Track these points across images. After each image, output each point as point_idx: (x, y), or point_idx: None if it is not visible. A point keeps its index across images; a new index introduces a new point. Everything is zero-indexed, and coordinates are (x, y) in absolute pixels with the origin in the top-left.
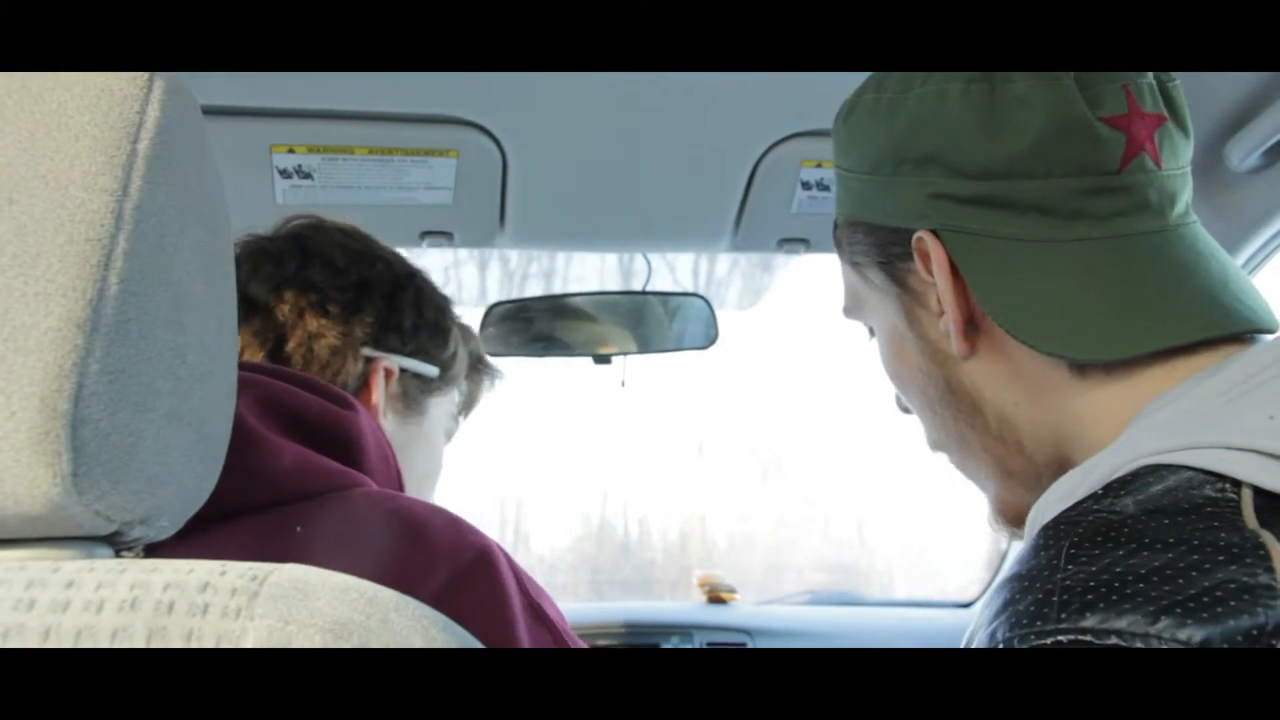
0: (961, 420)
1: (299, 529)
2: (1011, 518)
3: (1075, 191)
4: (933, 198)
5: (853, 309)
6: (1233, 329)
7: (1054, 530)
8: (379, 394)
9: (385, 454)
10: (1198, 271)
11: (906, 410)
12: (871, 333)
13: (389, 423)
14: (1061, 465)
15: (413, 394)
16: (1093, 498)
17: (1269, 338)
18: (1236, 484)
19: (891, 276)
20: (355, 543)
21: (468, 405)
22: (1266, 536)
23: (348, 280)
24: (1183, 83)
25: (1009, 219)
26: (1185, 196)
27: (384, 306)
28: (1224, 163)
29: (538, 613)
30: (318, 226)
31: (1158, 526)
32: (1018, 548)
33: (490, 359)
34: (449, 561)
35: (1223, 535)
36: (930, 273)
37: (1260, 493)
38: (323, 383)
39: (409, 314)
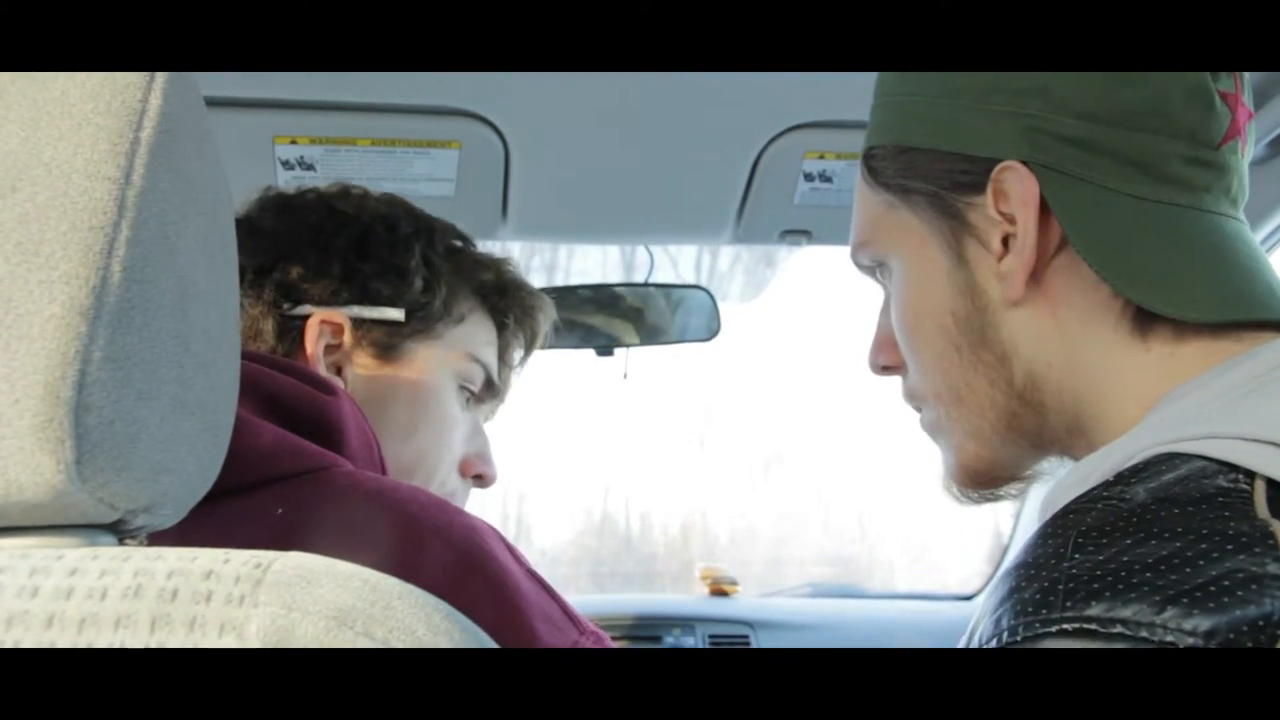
0: (980, 371)
1: (280, 511)
2: (976, 478)
3: (1178, 155)
4: (1029, 130)
5: (869, 244)
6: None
7: (1062, 519)
8: (312, 347)
9: (368, 440)
10: (1265, 263)
11: (886, 369)
12: (877, 274)
13: (357, 377)
14: (1073, 435)
15: (384, 341)
16: (1104, 485)
17: None
18: (1250, 475)
19: (944, 208)
20: (340, 527)
21: (508, 349)
22: (1277, 525)
23: (260, 243)
24: None
25: (1107, 167)
26: (1245, 197)
27: (314, 258)
28: None
29: (538, 580)
30: (260, 197)
31: (1167, 516)
32: (1020, 540)
33: (534, 289)
34: (439, 544)
35: (1232, 524)
36: (1001, 207)
37: (1274, 485)
38: (301, 367)
39: (340, 261)
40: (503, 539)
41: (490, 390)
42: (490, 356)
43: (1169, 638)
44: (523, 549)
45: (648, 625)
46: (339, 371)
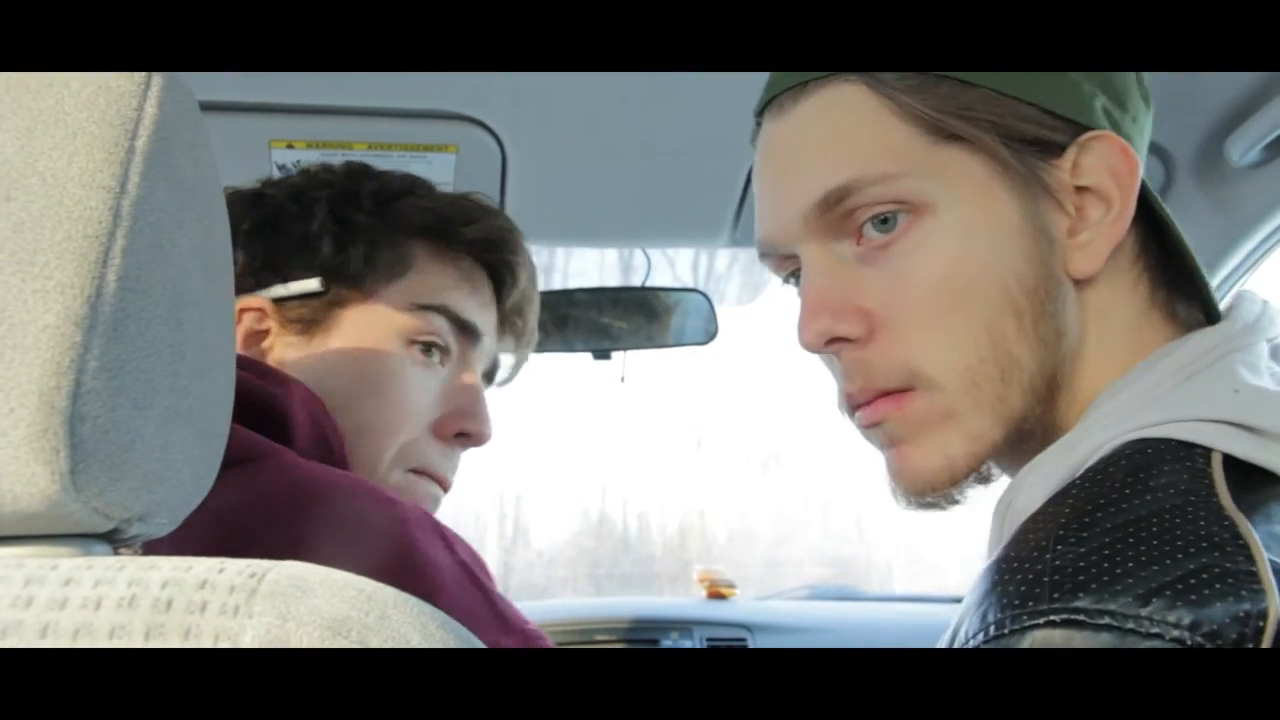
0: (1033, 347)
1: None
2: (968, 474)
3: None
4: (1106, 111)
5: (894, 178)
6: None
7: (1041, 514)
8: (239, 338)
9: (324, 434)
10: None
11: (839, 341)
12: (884, 223)
13: (286, 358)
14: (1053, 431)
15: (309, 316)
16: (1080, 479)
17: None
18: (1207, 453)
19: (1023, 162)
20: (264, 519)
21: (478, 286)
22: (1243, 524)
23: None
24: (1184, 75)
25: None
26: None
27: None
28: (1224, 158)
29: (470, 574)
30: None
31: (1143, 508)
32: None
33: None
34: (359, 534)
35: (1203, 521)
36: (1078, 180)
37: (1230, 461)
38: (253, 361)
39: (247, 247)
40: (439, 529)
41: (468, 334)
42: (456, 299)
43: (1154, 629)
44: (520, 550)
45: (645, 628)
46: (271, 356)
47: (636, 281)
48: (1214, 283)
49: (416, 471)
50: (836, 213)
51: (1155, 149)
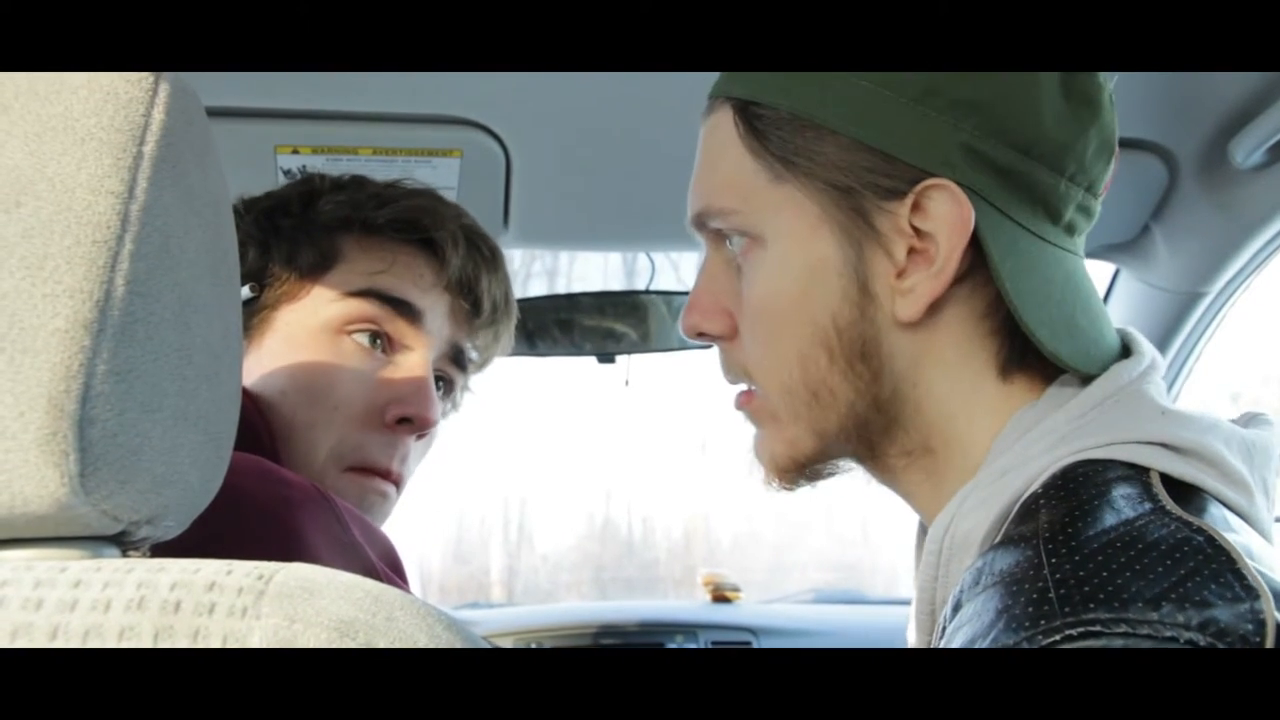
0: (849, 380)
1: None
2: (798, 470)
3: (1075, 202)
4: (966, 149)
5: (735, 213)
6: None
7: (1018, 535)
8: None
9: (256, 431)
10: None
11: (705, 336)
12: (726, 240)
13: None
14: (916, 453)
15: (246, 323)
16: (1038, 497)
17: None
18: (1146, 471)
19: (850, 204)
20: None
21: (411, 262)
22: (1212, 530)
23: None
24: (1189, 76)
25: (1019, 203)
26: None
27: None
28: (1228, 160)
29: (362, 556)
30: None
31: (1111, 516)
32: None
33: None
34: (244, 516)
35: (1174, 527)
36: (917, 222)
37: (1166, 479)
38: None
39: None
40: (336, 512)
41: (405, 314)
42: (385, 281)
43: (1168, 633)
44: (525, 554)
45: (651, 631)
46: None
47: (641, 285)
48: (1217, 287)
49: (356, 469)
50: (707, 227)
51: (1159, 150)
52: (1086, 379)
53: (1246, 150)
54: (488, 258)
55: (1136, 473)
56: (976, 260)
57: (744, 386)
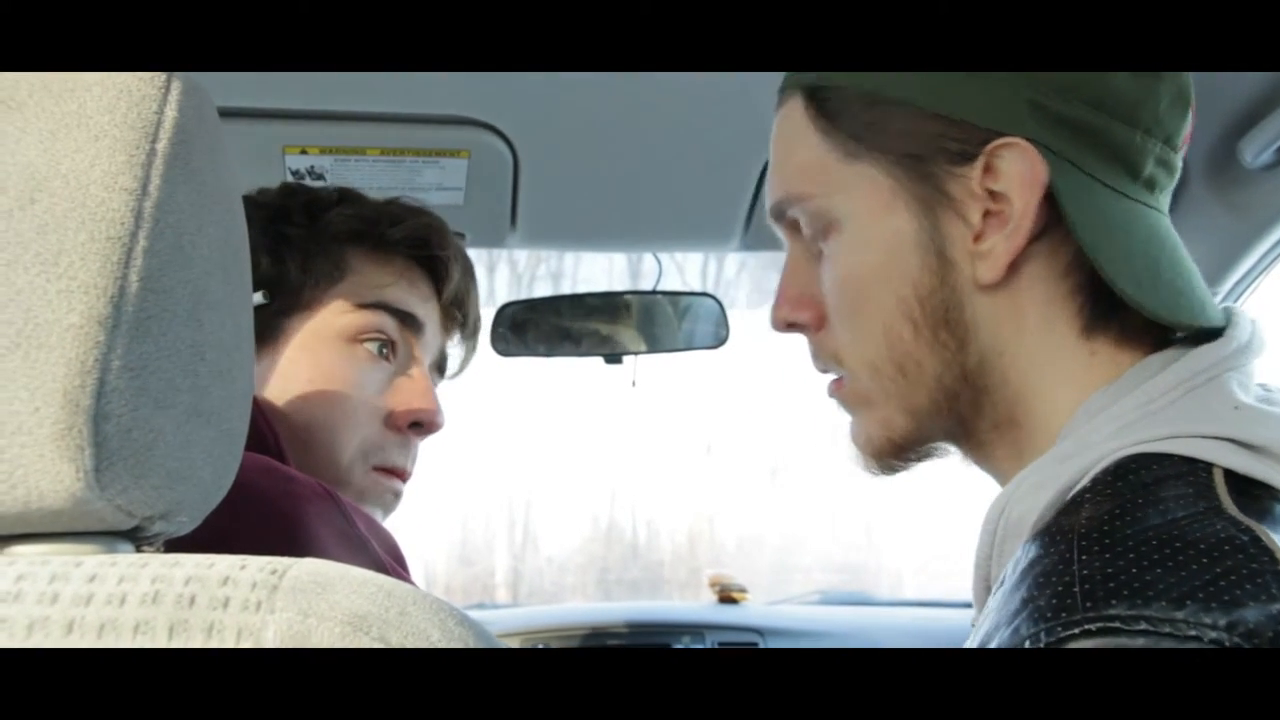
0: (935, 351)
1: None
2: (895, 451)
3: (1154, 155)
4: (1034, 107)
5: (811, 197)
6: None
7: (1056, 528)
8: None
9: (261, 433)
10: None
11: (794, 327)
12: (797, 228)
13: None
14: (1003, 426)
15: (258, 330)
16: (1088, 491)
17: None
18: (1209, 467)
19: (921, 173)
20: None
21: (417, 278)
22: (1259, 529)
23: None
24: (1197, 75)
25: (1095, 158)
26: None
27: None
28: (1237, 159)
29: (367, 549)
30: None
31: (1160, 519)
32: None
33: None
34: (253, 510)
35: (1219, 525)
36: (989, 184)
37: (1231, 476)
38: None
39: None
40: (341, 508)
41: (411, 326)
42: (395, 295)
43: (1191, 632)
44: (529, 557)
45: (657, 632)
46: None
47: (647, 286)
48: (1226, 287)
49: (379, 469)
50: (786, 218)
51: None
52: (1169, 359)
53: (1256, 150)
54: (473, 276)
55: (1195, 469)
56: (1053, 218)
57: (834, 375)
